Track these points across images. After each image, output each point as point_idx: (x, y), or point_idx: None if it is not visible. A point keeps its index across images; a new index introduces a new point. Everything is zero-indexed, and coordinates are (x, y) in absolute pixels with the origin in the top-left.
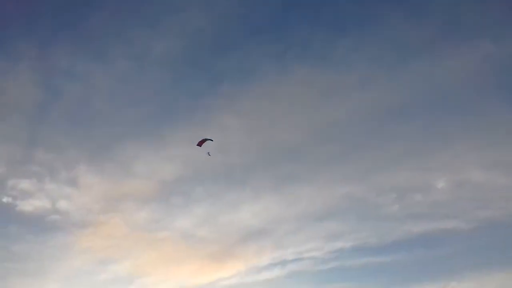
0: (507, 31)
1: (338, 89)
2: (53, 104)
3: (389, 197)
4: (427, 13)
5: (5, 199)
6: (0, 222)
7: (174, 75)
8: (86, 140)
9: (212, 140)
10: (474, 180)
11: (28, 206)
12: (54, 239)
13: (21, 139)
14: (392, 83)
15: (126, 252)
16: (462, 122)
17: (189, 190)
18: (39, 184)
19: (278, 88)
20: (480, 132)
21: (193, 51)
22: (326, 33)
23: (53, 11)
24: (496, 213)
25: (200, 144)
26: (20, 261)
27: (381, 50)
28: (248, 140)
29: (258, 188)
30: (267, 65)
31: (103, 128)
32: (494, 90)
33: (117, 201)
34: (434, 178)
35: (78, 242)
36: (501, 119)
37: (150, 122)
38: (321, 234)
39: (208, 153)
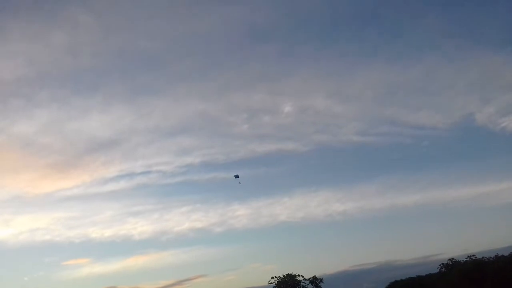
0: None
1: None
2: None
3: (240, 117)
4: None
5: None
6: None
7: None
8: None
9: (238, 179)
10: (316, 107)
11: None
12: None
13: None
14: (259, 1)
15: None
16: (313, 49)
17: (31, 93)
18: None
19: None
20: (327, 62)
21: None
22: None
23: None
24: (330, 138)
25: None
26: None
27: None
28: (103, 42)
29: (111, 96)
30: None
31: None
32: (348, 21)
33: None
34: (282, 102)
35: None
36: (347, 50)
37: None
38: (172, 149)
39: (239, 182)
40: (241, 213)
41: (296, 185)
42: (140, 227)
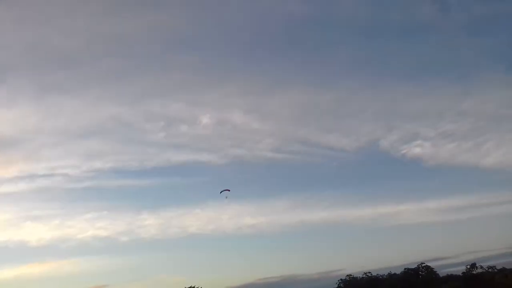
0: None
1: (132, 2)
2: None
3: (157, 124)
4: None
5: None
6: None
7: None
8: None
9: (229, 191)
10: (234, 121)
11: None
12: None
13: None
14: (187, 8)
15: None
16: (236, 65)
17: None
18: None
19: None
20: (248, 78)
21: None
22: None
23: None
24: (245, 153)
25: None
26: None
27: None
28: (13, 34)
29: (16, 91)
30: None
31: None
32: (272, 41)
33: None
34: (201, 113)
35: None
36: (269, 69)
37: None
38: (80, 152)
39: (226, 196)
40: (150, 223)
41: (209, 197)
42: (38, 233)
